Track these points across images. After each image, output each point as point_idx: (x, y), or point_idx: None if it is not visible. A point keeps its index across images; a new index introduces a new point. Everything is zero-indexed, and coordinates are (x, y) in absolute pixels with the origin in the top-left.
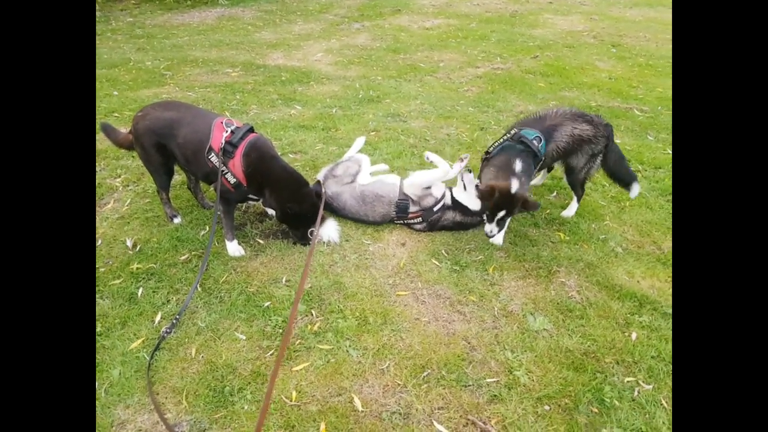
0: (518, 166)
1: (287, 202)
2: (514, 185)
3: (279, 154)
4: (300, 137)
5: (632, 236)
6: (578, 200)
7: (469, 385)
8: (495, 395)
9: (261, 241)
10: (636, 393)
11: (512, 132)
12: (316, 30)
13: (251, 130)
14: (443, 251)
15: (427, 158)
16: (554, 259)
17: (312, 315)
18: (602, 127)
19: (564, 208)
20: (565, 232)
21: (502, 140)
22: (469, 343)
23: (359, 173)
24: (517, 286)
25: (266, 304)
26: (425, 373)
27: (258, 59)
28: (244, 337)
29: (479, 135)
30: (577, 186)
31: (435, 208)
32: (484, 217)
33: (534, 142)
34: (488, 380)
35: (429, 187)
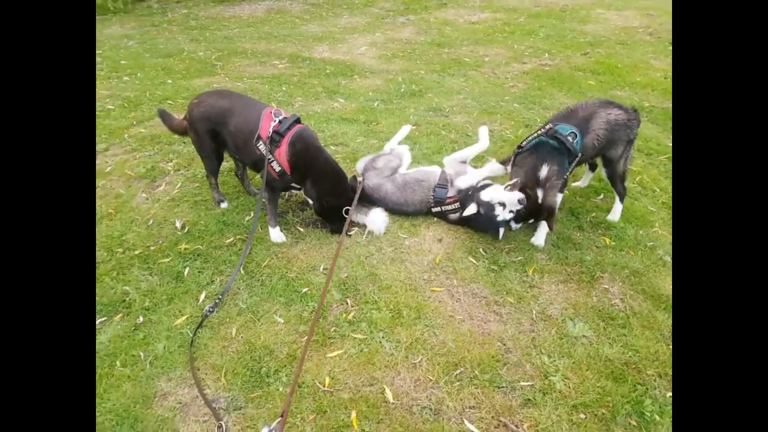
0: (544, 171)
1: (325, 195)
2: (540, 195)
3: (322, 145)
4: (342, 130)
5: None
6: (621, 200)
7: (503, 387)
8: (529, 399)
9: (301, 229)
10: None
11: (546, 127)
12: (361, 23)
13: (298, 120)
14: (481, 249)
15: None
16: (598, 265)
17: (347, 304)
18: (632, 112)
19: (630, 221)
20: (610, 237)
21: (536, 135)
22: (504, 344)
23: (400, 167)
24: (557, 290)
25: (304, 290)
26: (458, 371)
27: (304, 52)
28: (282, 321)
29: (524, 132)
30: (618, 181)
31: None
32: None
33: (569, 138)
34: (522, 383)
35: (465, 162)
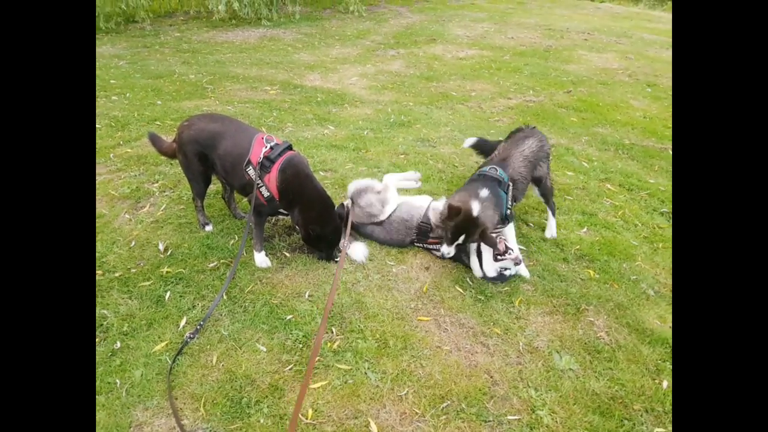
0: (483, 192)
1: (312, 222)
2: (476, 209)
3: (313, 172)
4: (331, 156)
5: (665, 279)
6: (553, 214)
7: (489, 421)
8: None
9: (287, 254)
10: None
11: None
12: (352, 54)
13: (290, 147)
14: (468, 279)
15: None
16: (583, 297)
17: (332, 332)
18: (537, 132)
19: (599, 245)
20: (595, 269)
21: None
22: (491, 377)
23: (379, 216)
24: (543, 321)
25: (288, 317)
26: (444, 404)
27: (296, 79)
28: (265, 349)
29: None
30: (549, 196)
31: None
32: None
33: (491, 171)
34: (509, 417)
35: None
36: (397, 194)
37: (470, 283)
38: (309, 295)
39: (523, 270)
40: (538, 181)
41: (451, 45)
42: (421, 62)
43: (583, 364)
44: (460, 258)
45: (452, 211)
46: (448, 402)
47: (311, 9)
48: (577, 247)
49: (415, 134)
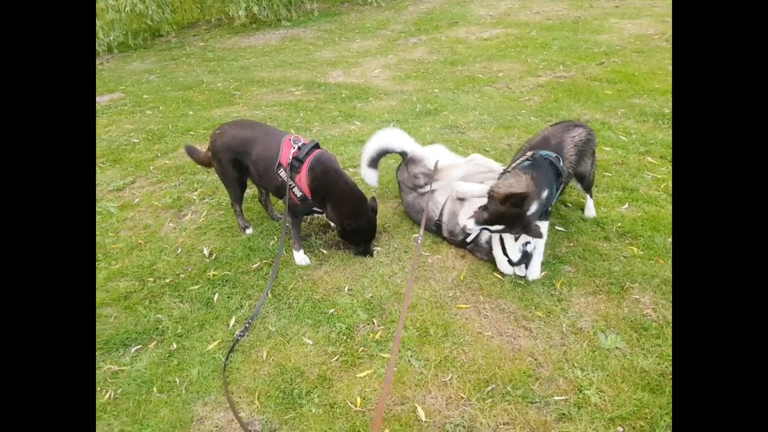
0: (545, 190)
1: (345, 217)
2: (533, 207)
3: (342, 168)
4: (359, 152)
5: None
6: (590, 194)
7: (536, 402)
8: (564, 414)
9: (325, 251)
10: None
11: (529, 154)
12: (373, 46)
13: (317, 146)
14: None
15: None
16: (627, 275)
17: (374, 324)
18: (586, 125)
19: (641, 221)
20: (638, 246)
21: (520, 162)
22: (535, 359)
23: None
24: (586, 302)
25: (331, 311)
26: (489, 388)
27: (319, 77)
28: (311, 342)
29: None
30: (591, 188)
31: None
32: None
33: (555, 160)
34: (556, 398)
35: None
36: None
37: None
38: (348, 290)
39: (534, 272)
40: (581, 177)
41: (474, 26)
42: (444, 47)
43: (630, 342)
44: (476, 249)
45: (510, 199)
46: (493, 385)
47: (329, 5)
48: (619, 224)
49: (442, 122)
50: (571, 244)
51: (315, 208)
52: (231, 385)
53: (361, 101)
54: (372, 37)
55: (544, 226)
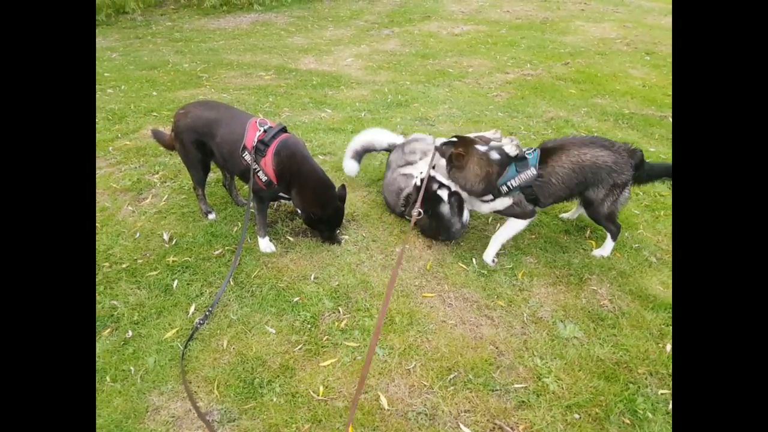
0: (494, 153)
1: (311, 204)
2: (479, 150)
3: (311, 154)
4: (330, 139)
5: (667, 246)
6: (612, 237)
7: (497, 390)
8: (523, 401)
9: (291, 239)
10: (671, 406)
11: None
12: (346, 35)
13: (284, 130)
14: (470, 255)
15: None
16: (586, 267)
17: (339, 312)
18: (623, 153)
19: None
20: (597, 239)
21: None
22: (497, 347)
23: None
24: (547, 292)
25: (295, 299)
26: (452, 376)
27: (290, 63)
28: (274, 331)
29: None
30: (601, 221)
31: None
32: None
33: (522, 150)
34: (516, 386)
35: None
36: None
37: (473, 259)
38: (314, 278)
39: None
40: (587, 203)
41: (446, 21)
42: (416, 40)
43: (588, 331)
44: (435, 231)
45: (452, 155)
46: (456, 373)
47: None
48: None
49: (413, 113)
50: (533, 237)
51: (281, 194)
52: (189, 375)
53: (332, 89)
54: (345, 27)
55: (502, 202)
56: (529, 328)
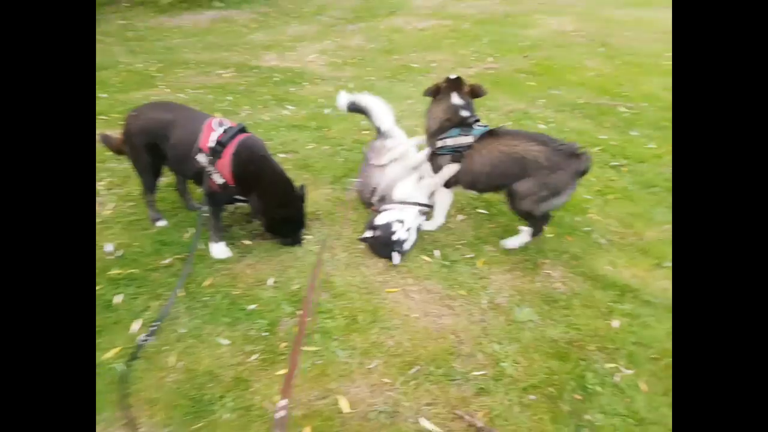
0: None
1: (273, 207)
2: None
3: (271, 154)
4: (292, 137)
5: (615, 228)
6: (530, 234)
7: (457, 380)
8: (482, 388)
9: (248, 242)
10: (617, 378)
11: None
12: (310, 32)
13: (243, 130)
14: (433, 247)
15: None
16: (540, 252)
17: (299, 316)
18: (561, 151)
19: (567, 209)
20: (550, 225)
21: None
22: (457, 336)
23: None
24: (504, 279)
25: (251, 307)
26: (413, 370)
27: (251, 60)
28: (228, 342)
29: None
30: (521, 215)
31: None
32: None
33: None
34: (475, 373)
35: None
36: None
37: (436, 251)
38: (273, 282)
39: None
40: (510, 196)
41: (411, 16)
42: (381, 35)
43: (542, 314)
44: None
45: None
46: (417, 367)
47: None
48: None
49: None
50: (492, 226)
51: (237, 197)
52: (130, 398)
53: (295, 86)
54: (309, 22)
55: (450, 168)
56: (488, 315)
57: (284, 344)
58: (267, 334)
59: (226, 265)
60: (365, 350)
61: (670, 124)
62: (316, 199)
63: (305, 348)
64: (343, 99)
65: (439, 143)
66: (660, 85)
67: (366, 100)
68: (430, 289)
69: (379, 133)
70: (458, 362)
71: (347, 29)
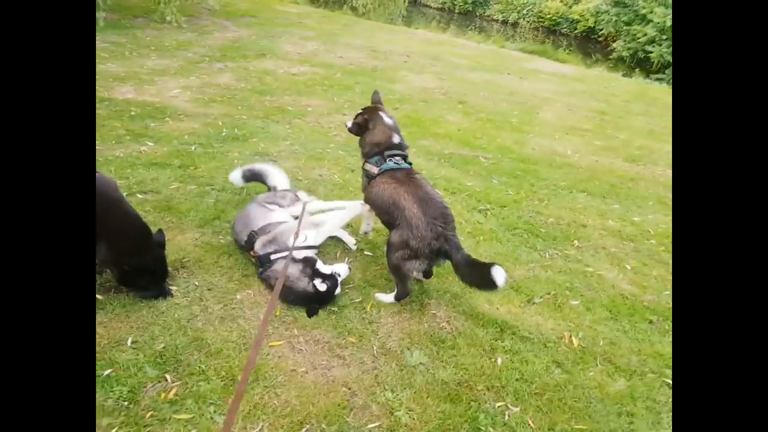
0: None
1: (125, 256)
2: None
3: (125, 195)
4: (152, 175)
5: None
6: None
7: None
8: None
9: (99, 297)
10: (506, 417)
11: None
12: (172, 66)
13: None
14: None
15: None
16: (424, 293)
17: (166, 380)
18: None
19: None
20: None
21: None
22: (349, 388)
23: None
24: (393, 321)
25: (106, 372)
26: (303, 430)
27: (102, 92)
28: None
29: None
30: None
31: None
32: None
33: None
34: (370, 426)
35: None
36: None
37: None
38: (132, 342)
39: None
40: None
41: (282, 61)
42: (252, 76)
43: (432, 355)
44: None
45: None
46: (307, 426)
47: (119, 16)
48: None
49: (252, 148)
50: (378, 268)
51: None
52: None
53: (155, 121)
54: (171, 57)
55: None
56: (380, 361)
57: (150, 413)
58: (127, 403)
59: None
60: (248, 413)
61: (524, 174)
62: (182, 245)
63: (176, 416)
64: (236, 172)
65: (369, 165)
66: (511, 139)
67: (260, 166)
68: (318, 339)
69: (275, 191)
70: (351, 416)
71: (214, 66)
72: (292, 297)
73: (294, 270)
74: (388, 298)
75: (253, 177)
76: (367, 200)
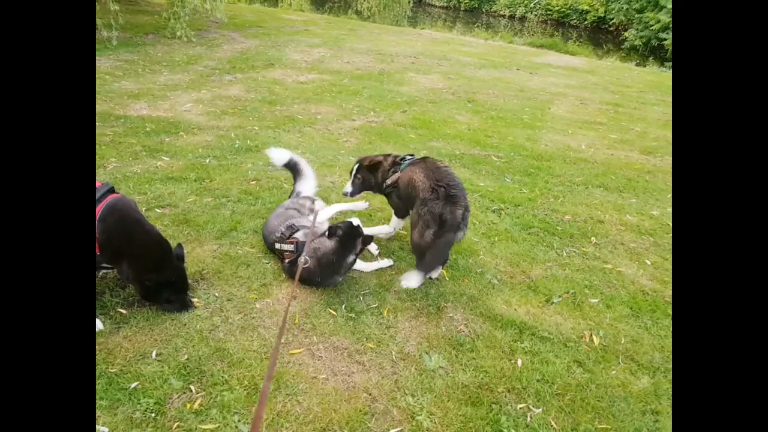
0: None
1: (147, 273)
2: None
3: (144, 213)
4: (169, 190)
5: (504, 268)
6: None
7: None
8: None
9: (123, 311)
10: (529, 418)
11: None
12: (184, 80)
13: (111, 190)
14: (339, 300)
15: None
16: (441, 296)
17: (191, 391)
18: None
19: (460, 253)
20: (446, 268)
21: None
22: (370, 394)
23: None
24: (411, 326)
25: (133, 385)
26: None
27: (117, 110)
28: (107, 429)
29: None
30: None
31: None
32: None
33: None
34: (392, 431)
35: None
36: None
37: (340, 303)
38: (157, 354)
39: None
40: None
41: (290, 69)
42: (261, 86)
43: (451, 359)
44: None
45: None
46: None
47: (131, 34)
48: None
49: (264, 159)
50: (393, 272)
51: (104, 265)
52: None
53: (170, 135)
54: (182, 72)
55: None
56: (399, 366)
57: (177, 424)
58: (155, 415)
59: (99, 339)
60: (271, 421)
61: (537, 171)
62: (200, 257)
63: (201, 426)
64: (284, 154)
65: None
66: (523, 137)
67: (305, 167)
68: (337, 346)
69: (297, 196)
70: (373, 422)
71: (224, 79)
72: (325, 260)
73: (315, 242)
74: (413, 276)
75: (292, 169)
76: (404, 199)
